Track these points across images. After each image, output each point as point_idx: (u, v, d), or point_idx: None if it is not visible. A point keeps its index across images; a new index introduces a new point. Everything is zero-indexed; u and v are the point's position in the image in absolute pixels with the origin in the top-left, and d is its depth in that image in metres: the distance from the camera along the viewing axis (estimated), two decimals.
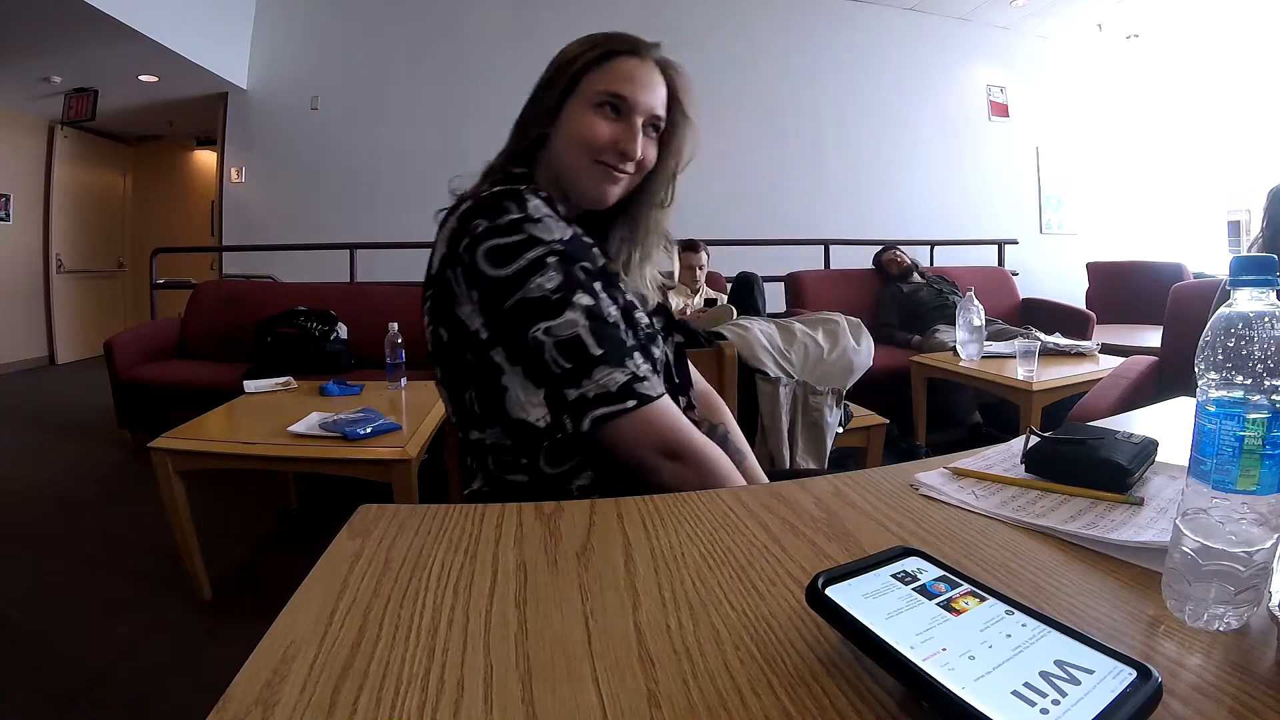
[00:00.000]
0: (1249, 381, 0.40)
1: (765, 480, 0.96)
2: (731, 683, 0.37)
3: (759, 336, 1.77)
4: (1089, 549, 0.53)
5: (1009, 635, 0.36)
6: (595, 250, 0.82)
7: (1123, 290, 4.47)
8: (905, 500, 0.63)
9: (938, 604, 0.39)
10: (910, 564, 0.43)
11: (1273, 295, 0.41)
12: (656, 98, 0.82)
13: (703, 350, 1.33)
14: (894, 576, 0.41)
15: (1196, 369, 0.43)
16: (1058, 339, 2.86)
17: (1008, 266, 4.91)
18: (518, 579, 0.49)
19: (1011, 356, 2.57)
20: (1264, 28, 5.51)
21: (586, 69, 0.80)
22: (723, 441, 0.95)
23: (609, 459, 0.75)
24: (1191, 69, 6.38)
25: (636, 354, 0.74)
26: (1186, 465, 0.44)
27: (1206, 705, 0.35)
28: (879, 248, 4.12)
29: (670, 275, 0.99)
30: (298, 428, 1.83)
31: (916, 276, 3.88)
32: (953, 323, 3.05)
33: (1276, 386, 0.40)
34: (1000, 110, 6.19)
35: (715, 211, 5.43)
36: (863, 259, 4.25)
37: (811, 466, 1.89)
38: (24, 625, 1.74)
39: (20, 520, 2.45)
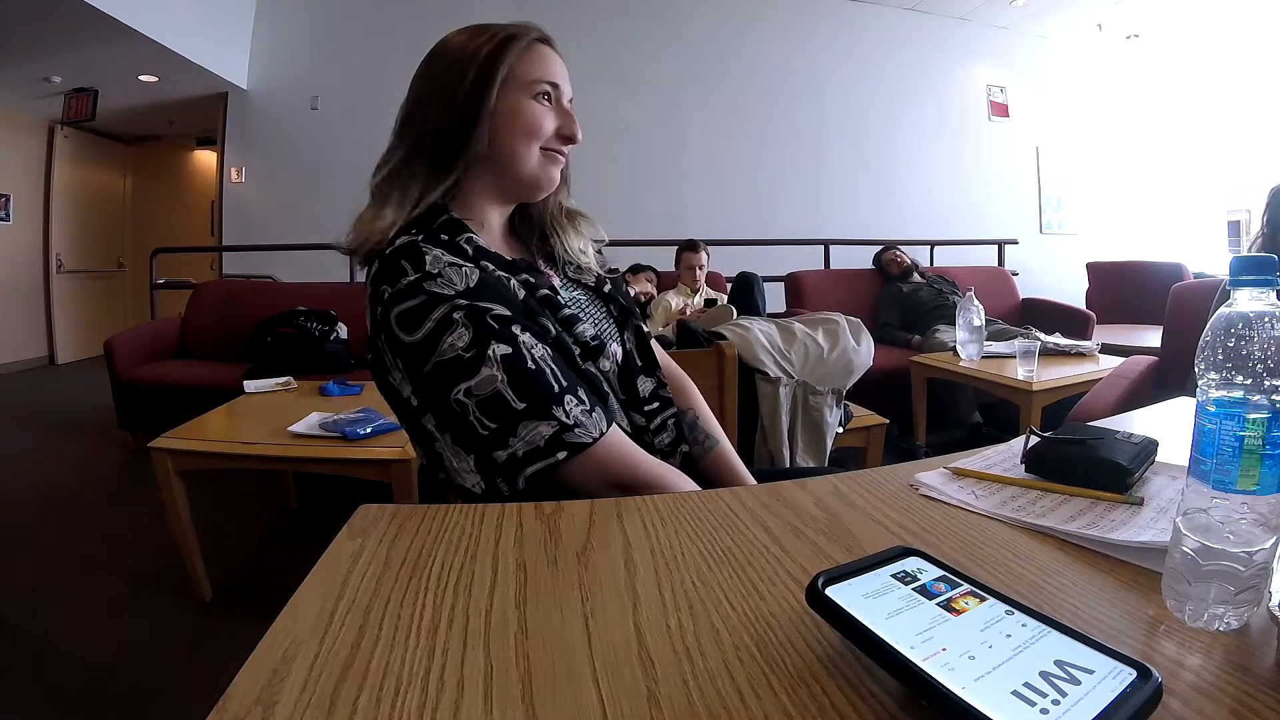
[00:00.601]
0: (1249, 381, 0.40)
1: (741, 467, 0.95)
2: (731, 683, 0.37)
3: (759, 336, 1.77)
4: (1089, 549, 0.53)
5: (1009, 635, 0.36)
6: (512, 282, 0.76)
7: (1123, 290, 4.47)
8: (905, 500, 0.63)
9: (938, 604, 0.39)
10: (910, 564, 0.43)
11: (1273, 295, 0.41)
12: (570, 85, 0.83)
13: (703, 350, 1.33)
14: (894, 576, 0.41)
15: (1196, 369, 0.43)
16: (1058, 339, 2.86)
17: (1008, 266, 4.91)
18: (518, 579, 0.49)
19: (1011, 356, 2.57)
20: (1264, 28, 5.51)
21: (517, 59, 0.78)
22: (692, 426, 0.95)
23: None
24: (1191, 69, 6.38)
25: (568, 397, 0.70)
26: (1186, 465, 0.44)
27: (1206, 705, 0.35)
28: (879, 248, 4.12)
29: (602, 242, 0.98)
30: (298, 428, 1.83)
31: (916, 276, 3.88)
32: (953, 323, 3.05)
33: (1276, 386, 0.40)
34: (1000, 110, 6.19)
35: (715, 211, 5.45)
36: (863, 259, 4.25)
37: (811, 467, 1.88)
38: (24, 625, 1.74)
39: (20, 520, 2.45)
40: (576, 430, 0.70)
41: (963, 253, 5.14)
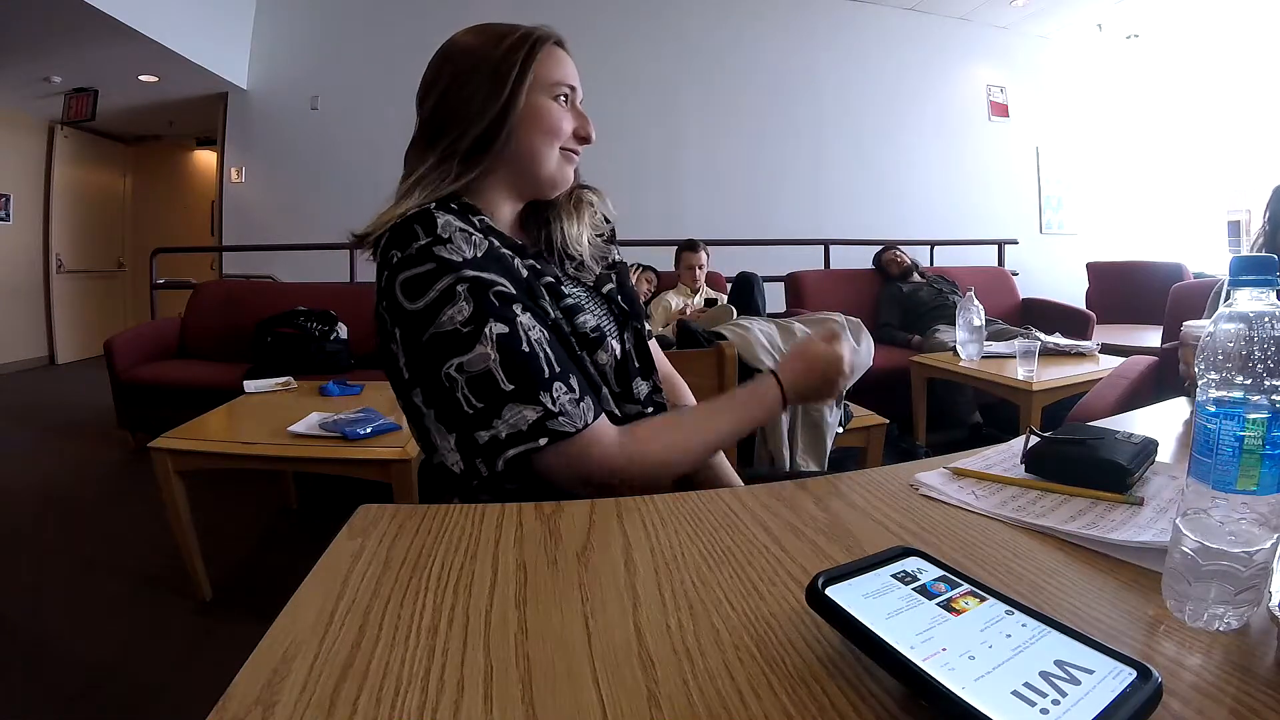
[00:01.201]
0: (1249, 381, 0.40)
1: (727, 467, 0.95)
2: (731, 683, 0.37)
3: (759, 336, 1.77)
4: (1089, 549, 0.53)
5: (1009, 635, 0.36)
6: (517, 261, 0.77)
7: (1123, 290, 4.47)
8: (905, 500, 0.63)
9: (938, 604, 0.39)
10: (910, 564, 0.43)
11: (1273, 295, 0.41)
12: (580, 83, 0.85)
13: (703, 350, 1.33)
14: (894, 576, 0.41)
15: (1196, 369, 0.43)
16: (1058, 339, 2.86)
17: (1008, 266, 4.91)
18: (518, 579, 0.49)
19: (1011, 356, 2.57)
20: (1264, 28, 5.51)
21: (539, 60, 0.79)
22: None
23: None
24: (1191, 69, 6.38)
25: (557, 384, 0.70)
26: (1186, 465, 0.44)
27: (1206, 705, 0.35)
28: (879, 248, 4.12)
29: (609, 222, 0.97)
30: (298, 428, 1.83)
31: (916, 276, 3.88)
32: (953, 323, 3.05)
33: (1276, 386, 0.40)
34: (1000, 110, 6.19)
35: (715, 211, 5.45)
36: (863, 259, 4.25)
37: (812, 468, 1.88)
38: (24, 625, 1.74)
39: (20, 520, 2.45)
40: (561, 419, 0.69)
41: (963, 253, 5.14)
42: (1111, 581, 0.48)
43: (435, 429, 0.73)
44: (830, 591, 0.39)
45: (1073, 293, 4.68)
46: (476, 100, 0.78)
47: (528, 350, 0.70)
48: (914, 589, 0.40)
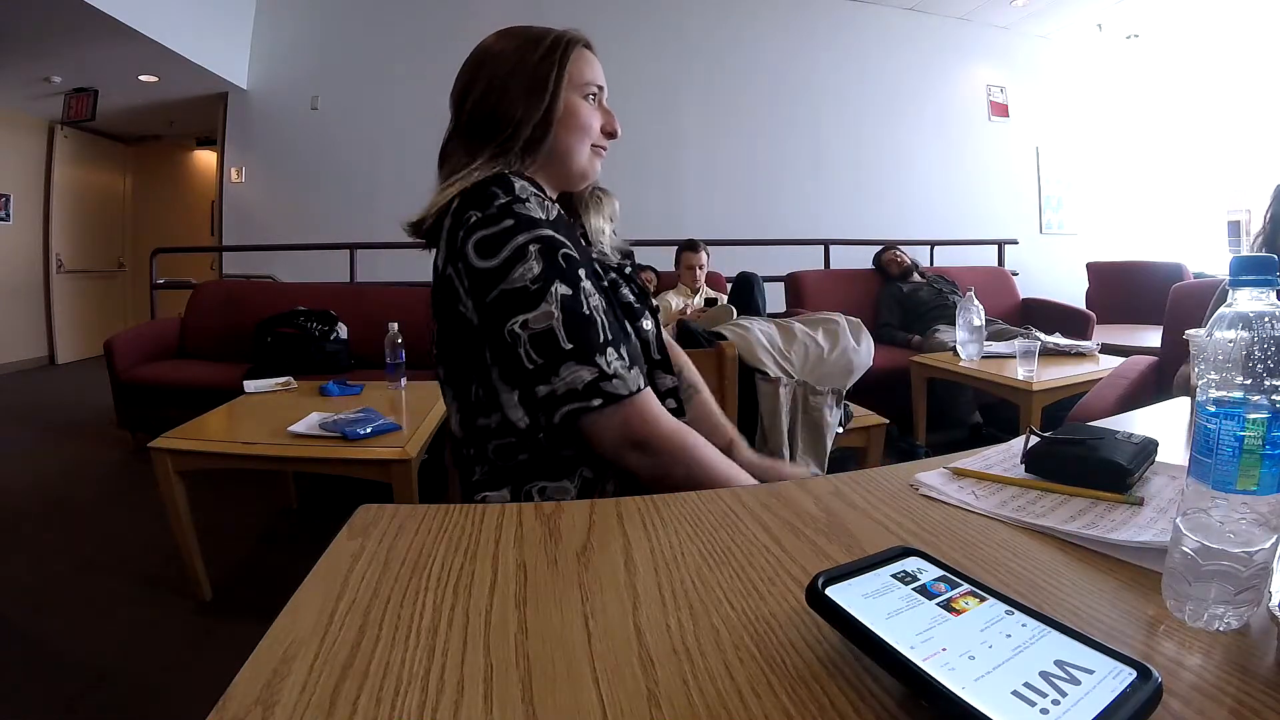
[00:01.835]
0: (1249, 381, 0.40)
1: (721, 416, 1.01)
2: (731, 683, 0.37)
3: (759, 336, 1.77)
4: (1089, 549, 0.53)
5: (1009, 635, 0.36)
6: (578, 232, 0.85)
7: (1123, 290, 4.47)
8: (905, 500, 0.63)
9: (938, 604, 0.39)
10: (910, 564, 0.43)
11: (1273, 295, 0.41)
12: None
13: (703, 350, 1.33)
14: (894, 576, 0.41)
15: (1196, 369, 0.43)
16: (1058, 339, 2.86)
17: (1008, 266, 4.91)
18: (518, 579, 0.49)
19: (1011, 356, 2.57)
20: (1264, 28, 5.50)
21: (572, 62, 0.85)
22: (686, 392, 1.00)
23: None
24: (1191, 69, 6.38)
25: (610, 350, 0.74)
26: (1186, 465, 0.44)
27: (1206, 705, 0.35)
28: (879, 248, 4.12)
29: (616, 220, 1.04)
30: (298, 428, 1.83)
31: (916, 276, 3.88)
32: (953, 323, 3.05)
33: (1276, 386, 0.40)
34: (1000, 110, 6.19)
35: (715, 211, 5.45)
36: (863, 259, 4.25)
37: (813, 468, 1.88)
38: (24, 625, 1.74)
39: (20, 520, 2.45)
40: (615, 381, 0.73)
41: (963, 253, 5.13)
42: (1111, 581, 0.48)
43: (501, 386, 0.77)
44: (830, 591, 0.39)
45: (1073, 293, 4.68)
46: (520, 104, 0.82)
47: (587, 314, 0.74)
48: (914, 589, 0.40)
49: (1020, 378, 2.39)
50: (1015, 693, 0.32)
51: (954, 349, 2.91)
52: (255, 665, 0.39)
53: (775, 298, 4.03)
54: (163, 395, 3.06)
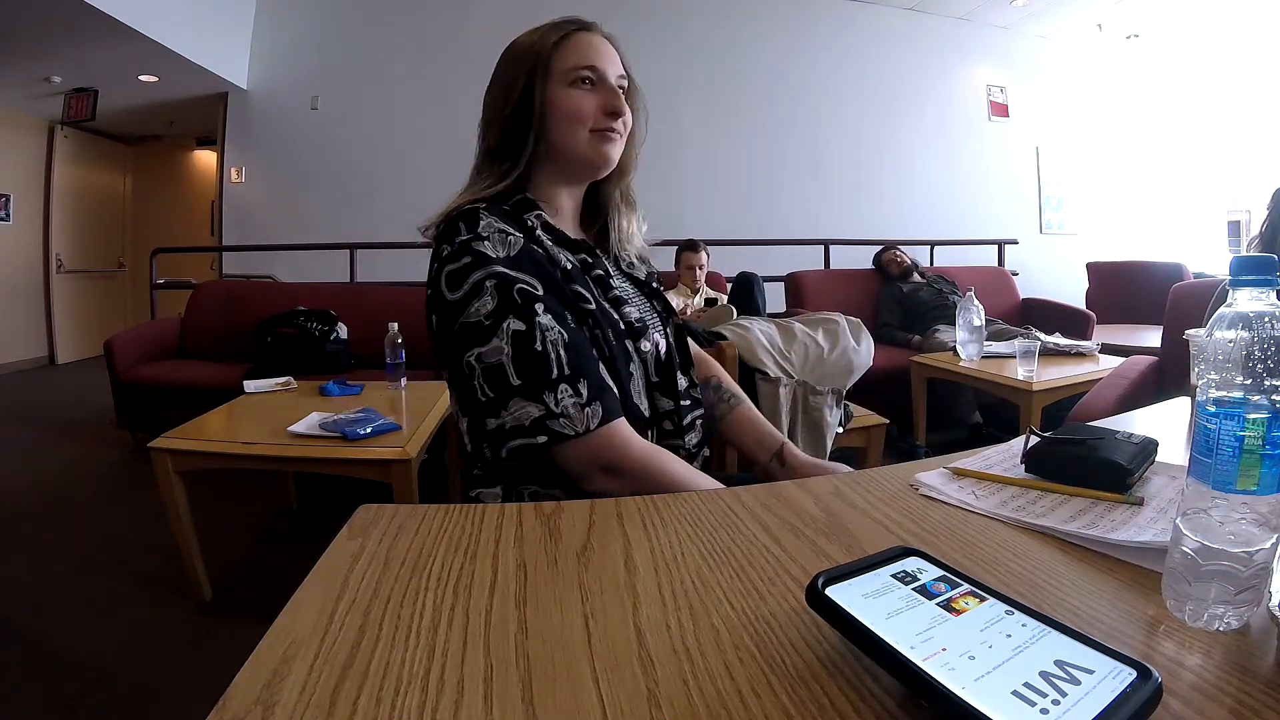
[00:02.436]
0: (1249, 381, 0.40)
1: (765, 423, 1.01)
2: (731, 683, 0.37)
3: (759, 336, 1.77)
4: (1089, 549, 0.53)
5: (1009, 635, 0.36)
6: (563, 255, 0.82)
7: (1123, 290, 4.47)
8: (905, 500, 0.63)
9: (938, 604, 0.39)
10: (910, 564, 0.43)
11: (1273, 295, 0.41)
12: (618, 65, 0.87)
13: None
14: (894, 576, 0.41)
15: (1196, 369, 0.43)
16: (1058, 339, 2.86)
17: (1008, 266, 4.91)
18: (518, 579, 0.49)
19: (1011, 356, 2.57)
20: (1264, 28, 5.51)
21: (551, 53, 0.83)
22: (716, 389, 1.02)
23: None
24: (1191, 69, 6.38)
25: (564, 386, 0.73)
26: (1186, 465, 0.44)
27: (1206, 705, 0.35)
28: (879, 248, 4.12)
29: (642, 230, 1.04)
30: (298, 428, 1.83)
31: (916, 276, 3.88)
32: (953, 323, 3.05)
33: (1276, 386, 0.40)
34: (1000, 110, 6.19)
35: (715, 211, 5.45)
36: (863, 259, 4.25)
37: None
38: (24, 625, 1.74)
39: (20, 520, 2.45)
40: (560, 420, 0.73)
41: (963, 253, 5.14)
42: (1111, 581, 0.48)
43: (455, 411, 0.81)
44: (830, 591, 0.39)
45: (1073, 293, 4.68)
46: (498, 105, 0.84)
47: (540, 349, 0.74)
48: (914, 589, 0.40)
49: (1020, 378, 2.39)
50: (1015, 693, 0.32)
51: (954, 349, 2.90)
52: (255, 665, 0.39)
53: (775, 298, 4.03)
54: (163, 395, 3.06)
